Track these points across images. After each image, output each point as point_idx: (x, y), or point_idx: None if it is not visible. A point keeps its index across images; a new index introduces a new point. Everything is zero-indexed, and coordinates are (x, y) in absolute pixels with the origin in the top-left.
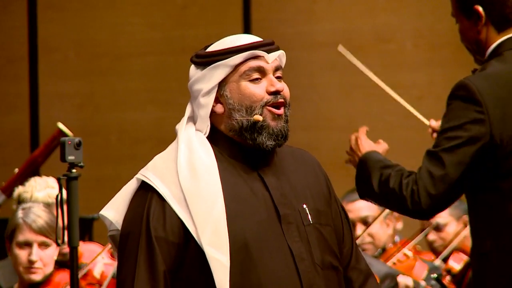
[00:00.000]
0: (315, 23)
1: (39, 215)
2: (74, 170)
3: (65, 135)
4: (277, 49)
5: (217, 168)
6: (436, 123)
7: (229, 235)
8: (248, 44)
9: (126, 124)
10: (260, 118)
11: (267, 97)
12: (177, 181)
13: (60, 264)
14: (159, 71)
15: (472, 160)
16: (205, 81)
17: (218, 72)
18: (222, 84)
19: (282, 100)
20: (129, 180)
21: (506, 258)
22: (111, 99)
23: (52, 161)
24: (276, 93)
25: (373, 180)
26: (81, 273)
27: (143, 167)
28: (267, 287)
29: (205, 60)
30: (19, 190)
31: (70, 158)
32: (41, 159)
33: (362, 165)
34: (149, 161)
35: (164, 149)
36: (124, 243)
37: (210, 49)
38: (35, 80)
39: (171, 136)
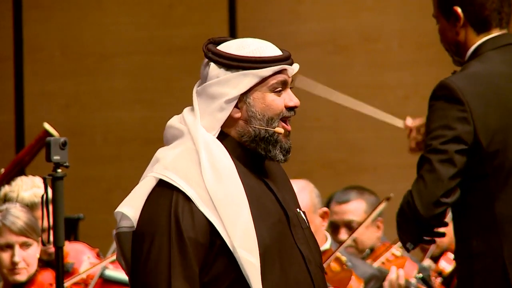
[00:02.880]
0: (300, 23)
1: (17, 216)
2: (59, 170)
3: (51, 135)
4: (293, 60)
5: (236, 170)
6: (411, 122)
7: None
8: (278, 56)
9: (111, 124)
10: (281, 130)
11: (285, 112)
12: (202, 183)
13: (46, 263)
14: (145, 71)
15: (460, 159)
16: (231, 86)
17: (246, 80)
18: (246, 91)
19: (293, 114)
20: (115, 180)
21: (493, 260)
22: (96, 98)
23: (38, 161)
24: (293, 108)
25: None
26: (70, 276)
27: (129, 167)
28: None
29: (233, 64)
30: (5, 189)
31: (56, 158)
32: (27, 159)
33: None
34: (136, 160)
35: (150, 148)
36: (149, 244)
37: (232, 51)
38: (20, 80)
39: (157, 136)
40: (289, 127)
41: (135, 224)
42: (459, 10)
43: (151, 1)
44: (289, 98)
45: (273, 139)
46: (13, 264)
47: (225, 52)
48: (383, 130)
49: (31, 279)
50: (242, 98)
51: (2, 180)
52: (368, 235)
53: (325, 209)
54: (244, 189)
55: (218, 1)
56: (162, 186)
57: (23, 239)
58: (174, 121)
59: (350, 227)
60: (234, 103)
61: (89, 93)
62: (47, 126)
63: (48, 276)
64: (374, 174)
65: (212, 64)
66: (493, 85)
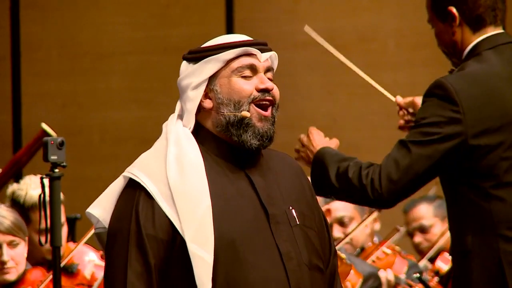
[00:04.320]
0: (297, 23)
1: (3, 216)
2: (56, 170)
3: (48, 135)
4: (270, 50)
5: (203, 166)
6: (402, 100)
7: (215, 233)
8: (241, 41)
9: (108, 124)
10: (247, 114)
11: (255, 94)
12: (165, 179)
13: (49, 264)
14: (142, 71)
15: (444, 158)
16: (196, 75)
17: (209, 66)
18: (212, 78)
19: (270, 98)
20: (112, 180)
21: (489, 257)
22: (93, 98)
23: (35, 161)
24: (265, 91)
25: (331, 174)
26: (74, 277)
27: (126, 166)
28: (254, 285)
29: (197, 55)
30: (13, 187)
31: (53, 158)
32: (25, 159)
33: (318, 161)
34: (133, 160)
35: (147, 148)
36: (113, 241)
37: (203, 46)
38: (17, 79)
39: (154, 136)
40: (265, 113)
41: (104, 224)
42: (454, 9)
43: (148, 1)
44: (259, 81)
45: (243, 123)
46: (2, 264)
47: (194, 48)
48: (379, 130)
49: (21, 278)
50: (211, 87)
51: (0, 180)
52: (362, 230)
53: (326, 207)
54: (213, 185)
55: (216, 0)
56: (130, 185)
57: (10, 238)
58: (165, 123)
59: (342, 222)
60: (200, 91)
61: (86, 93)
62: (44, 126)
63: (38, 274)
64: None
65: (183, 63)
66: (490, 85)
